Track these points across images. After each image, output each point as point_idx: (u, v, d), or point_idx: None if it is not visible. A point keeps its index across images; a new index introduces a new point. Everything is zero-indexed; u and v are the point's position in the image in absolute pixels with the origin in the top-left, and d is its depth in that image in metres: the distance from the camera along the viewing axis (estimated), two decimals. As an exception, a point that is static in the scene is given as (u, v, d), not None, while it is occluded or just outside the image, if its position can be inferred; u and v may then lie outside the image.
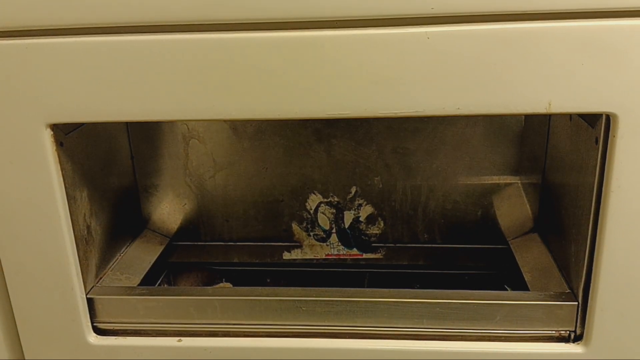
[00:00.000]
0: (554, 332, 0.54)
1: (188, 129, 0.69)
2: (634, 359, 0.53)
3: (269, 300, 0.54)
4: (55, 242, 0.54)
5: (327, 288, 0.55)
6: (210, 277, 0.74)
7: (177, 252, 0.72)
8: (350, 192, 0.69)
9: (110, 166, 0.65)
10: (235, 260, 0.72)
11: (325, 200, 0.69)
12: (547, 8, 0.43)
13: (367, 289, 0.54)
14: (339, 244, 0.71)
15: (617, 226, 0.49)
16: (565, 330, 0.54)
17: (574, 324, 0.53)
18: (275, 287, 0.61)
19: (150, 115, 0.49)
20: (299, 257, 0.71)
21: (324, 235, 0.71)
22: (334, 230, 0.70)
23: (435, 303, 0.53)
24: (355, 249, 0.71)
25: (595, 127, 0.49)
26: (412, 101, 0.46)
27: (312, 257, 0.71)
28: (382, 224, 0.70)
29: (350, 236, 0.70)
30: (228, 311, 0.55)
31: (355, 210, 0.69)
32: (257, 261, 0.72)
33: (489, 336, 0.55)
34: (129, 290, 0.59)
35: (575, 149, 0.55)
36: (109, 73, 0.47)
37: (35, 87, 0.48)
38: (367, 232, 0.70)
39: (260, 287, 0.58)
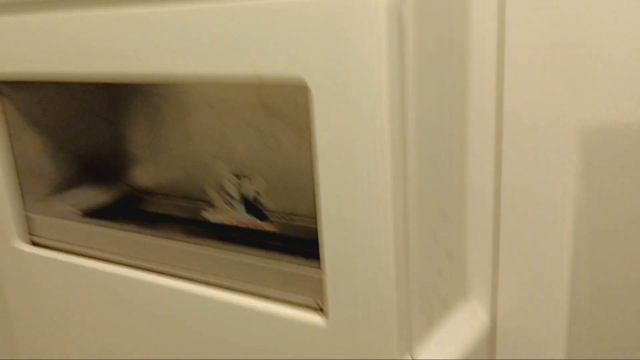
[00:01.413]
0: (312, 300, 0.56)
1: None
2: (369, 338, 0.52)
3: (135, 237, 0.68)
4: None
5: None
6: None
7: (142, 203, 0.89)
8: (249, 165, 0.77)
9: (76, 125, 0.84)
10: (168, 213, 0.86)
11: (231, 170, 0.78)
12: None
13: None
14: (244, 210, 0.79)
15: (327, 188, 0.50)
16: (317, 301, 0.56)
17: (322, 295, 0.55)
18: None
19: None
20: (214, 218, 0.82)
21: (232, 202, 0.79)
22: (238, 198, 0.79)
23: (221, 258, 0.61)
24: (255, 218, 0.78)
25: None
26: (169, 67, 0.55)
27: (224, 221, 0.81)
28: (274, 197, 0.76)
29: (251, 205, 0.78)
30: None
31: (253, 181, 0.77)
32: (183, 216, 0.84)
33: (258, 294, 0.59)
34: (58, 214, 0.77)
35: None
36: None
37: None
38: (263, 203, 0.77)
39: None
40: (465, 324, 0.60)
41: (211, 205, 0.82)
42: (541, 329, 0.60)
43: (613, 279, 0.56)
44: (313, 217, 0.75)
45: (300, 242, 0.75)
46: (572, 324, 0.59)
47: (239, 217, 0.80)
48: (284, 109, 0.72)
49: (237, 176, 0.78)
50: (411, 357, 0.53)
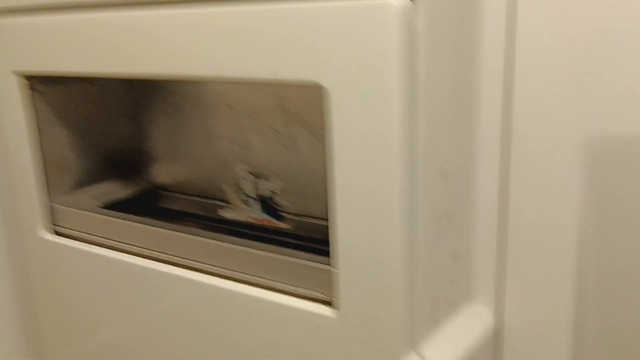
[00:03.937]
0: (321, 294, 0.59)
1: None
2: (375, 330, 0.55)
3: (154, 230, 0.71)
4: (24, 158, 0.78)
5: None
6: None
7: (157, 199, 0.92)
8: (266, 165, 0.79)
9: (100, 122, 0.87)
10: (187, 210, 0.89)
11: (248, 169, 0.81)
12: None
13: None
14: (260, 209, 0.81)
15: (340, 186, 0.53)
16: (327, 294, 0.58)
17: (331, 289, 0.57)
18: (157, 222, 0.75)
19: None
20: (231, 216, 0.84)
21: (248, 200, 0.82)
22: (255, 197, 0.81)
23: (236, 252, 0.64)
24: (271, 216, 0.81)
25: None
26: (194, 67, 0.58)
27: (240, 219, 0.83)
28: (289, 197, 0.79)
29: (267, 204, 0.81)
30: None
31: (269, 181, 0.80)
32: (202, 214, 0.87)
33: (270, 287, 0.62)
34: (81, 206, 0.81)
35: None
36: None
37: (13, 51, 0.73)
38: (279, 202, 0.80)
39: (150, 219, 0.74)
40: (468, 324, 0.62)
41: (228, 203, 0.85)
42: (547, 330, 0.62)
43: (618, 282, 0.58)
44: (325, 217, 0.78)
45: (312, 241, 0.78)
46: (577, 326, 0.61)
47: (255, 215, 0.82)
48: (300, 111, 0.75)
49: (255, 175, 0.81)
50: (415, 352, 0.55)
